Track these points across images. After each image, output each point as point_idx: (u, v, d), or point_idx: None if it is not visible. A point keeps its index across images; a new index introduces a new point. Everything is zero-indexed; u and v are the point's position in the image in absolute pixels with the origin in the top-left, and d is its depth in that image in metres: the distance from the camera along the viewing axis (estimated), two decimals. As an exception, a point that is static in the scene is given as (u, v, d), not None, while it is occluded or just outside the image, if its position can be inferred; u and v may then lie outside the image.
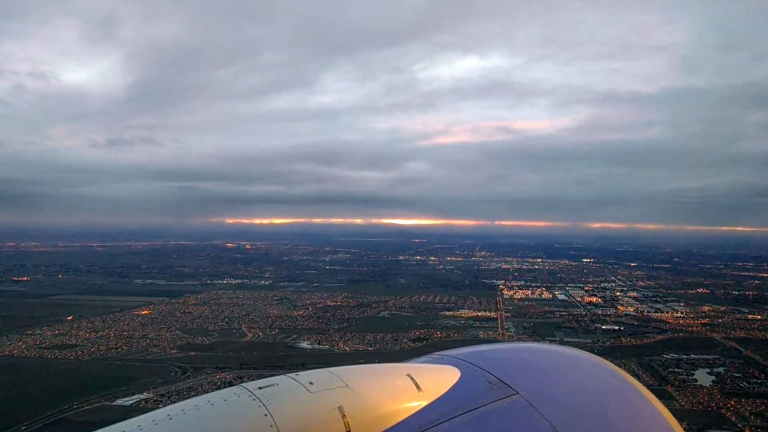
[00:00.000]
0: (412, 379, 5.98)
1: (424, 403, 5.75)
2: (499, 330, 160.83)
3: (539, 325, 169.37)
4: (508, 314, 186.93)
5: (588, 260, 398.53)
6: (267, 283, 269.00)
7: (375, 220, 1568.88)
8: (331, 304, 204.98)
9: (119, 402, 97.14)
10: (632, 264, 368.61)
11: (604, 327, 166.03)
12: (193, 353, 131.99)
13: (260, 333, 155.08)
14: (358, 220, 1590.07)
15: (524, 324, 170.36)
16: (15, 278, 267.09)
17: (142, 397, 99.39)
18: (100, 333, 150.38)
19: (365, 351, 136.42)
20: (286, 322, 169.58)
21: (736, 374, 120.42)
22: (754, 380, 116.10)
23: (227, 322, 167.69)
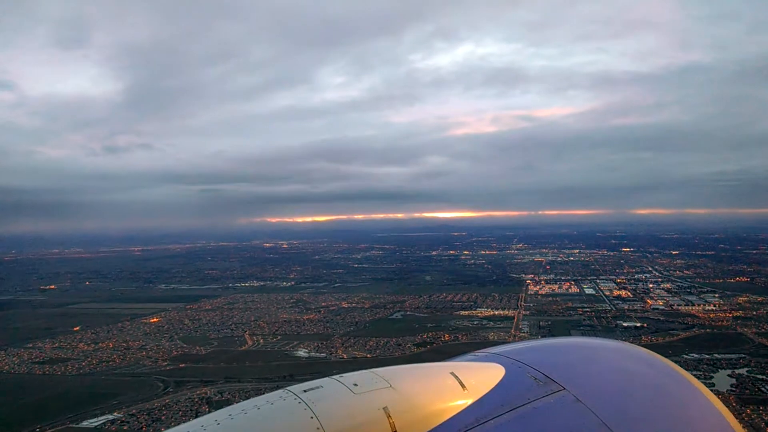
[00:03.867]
0: (456, 377, 5.94)
1: (469, 402, 5.71)
2: (513, 331, 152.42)
3: (557, 323, 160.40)
4: (527, 312, 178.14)
5: (627, 249, 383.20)
6: (289, 284, 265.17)
7: (417, 215, 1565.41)
8: (346, 306, 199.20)
9: (85, 424, 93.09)
10: (674, 252, 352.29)
11: (625, 324, 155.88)
12: (183, 365, 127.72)
13: (261, 340, 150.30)
14: (400, 215, 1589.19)
15: (541, 323, 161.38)
16: (42, 287, 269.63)
17: (110, 417, 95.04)
18: (100, 345, 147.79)
19: (363, 358, 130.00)
20: (293, 327, 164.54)
21: (759, 376, 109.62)
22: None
23: (232, 329, 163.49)
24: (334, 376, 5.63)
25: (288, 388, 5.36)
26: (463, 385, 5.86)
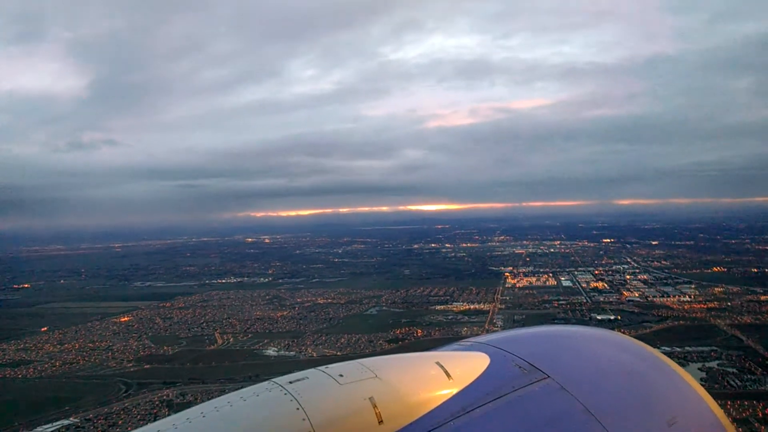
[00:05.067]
0: (441, 366, 5.99)
1: (454, 391, 5.77)
2: (486, 325, 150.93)
3: (532, 316, 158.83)
4: (503, 306, 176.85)
5: (608, 240, 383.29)
6: (267, 280, 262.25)
7: (401, 208, 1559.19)
8: (321, 301, 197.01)
9: (39, 429, 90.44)
10: (654, 242, 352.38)
11: (599, 317, 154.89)
12: (148, 366, 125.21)
13: (231, 339, 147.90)
14: (385, 208, 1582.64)
15: (515, 317, 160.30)
16: (15, 285, 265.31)
17: (66, 422, 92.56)
18: (66, 346, 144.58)
19: (333, 356, 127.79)
20: (265, 324, 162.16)
21: (729, 369, 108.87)
22: (749, 377, 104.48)
23: (203, 328, 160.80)
24: (319, 367, 5.56)
25: (273, 379, 5.28)
26: (448, 375, 5.84)
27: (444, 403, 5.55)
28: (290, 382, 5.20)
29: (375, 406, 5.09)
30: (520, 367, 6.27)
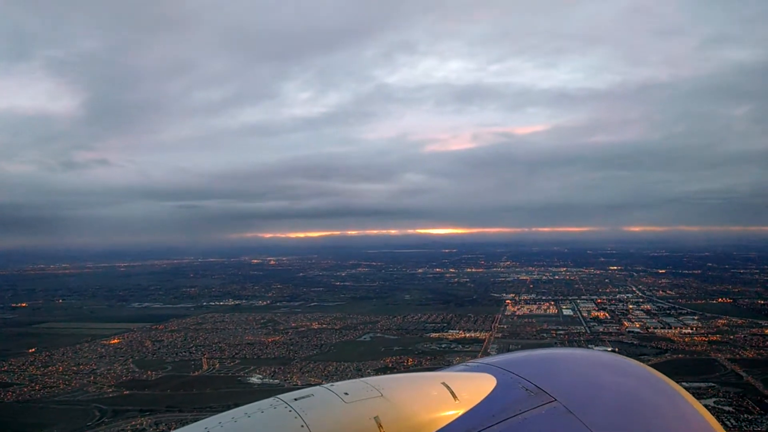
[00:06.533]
0: (447, 387, 5.97)
1: (460, 412, 5.73)
2: (479, 356, 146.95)
3: (528, 347, 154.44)
4: (500, 335, 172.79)
5: (614, 268, 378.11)
6: (265, 303, 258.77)
7: (410, 231, 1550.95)
8: (316, 326, 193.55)
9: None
10: (660, 271, 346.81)
11: (596, 349, 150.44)
12: (128, 392, 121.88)
13: (218, 364, 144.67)
14: (393, 231, 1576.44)
15: (511, 347, 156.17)
16: (13, 304, 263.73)
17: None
18: (50, 368, 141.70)
19: (317, 385, 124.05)
20: (255, 350, 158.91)
21: (726, 408, 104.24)
22: (746, 416, 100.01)
23: (191, 352, 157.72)
24: (324, 385, 5.65)
25: (278, 396, 5.27)
26: (454, 396, 5.80)
27: (449, 424, 5.44)
28: (295, 399, 5.12)
29: (380, 426, 5.00)
30: (526, 389, 6.14)
